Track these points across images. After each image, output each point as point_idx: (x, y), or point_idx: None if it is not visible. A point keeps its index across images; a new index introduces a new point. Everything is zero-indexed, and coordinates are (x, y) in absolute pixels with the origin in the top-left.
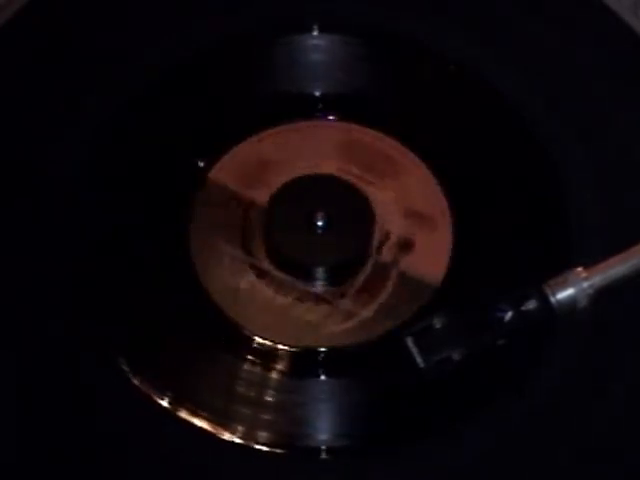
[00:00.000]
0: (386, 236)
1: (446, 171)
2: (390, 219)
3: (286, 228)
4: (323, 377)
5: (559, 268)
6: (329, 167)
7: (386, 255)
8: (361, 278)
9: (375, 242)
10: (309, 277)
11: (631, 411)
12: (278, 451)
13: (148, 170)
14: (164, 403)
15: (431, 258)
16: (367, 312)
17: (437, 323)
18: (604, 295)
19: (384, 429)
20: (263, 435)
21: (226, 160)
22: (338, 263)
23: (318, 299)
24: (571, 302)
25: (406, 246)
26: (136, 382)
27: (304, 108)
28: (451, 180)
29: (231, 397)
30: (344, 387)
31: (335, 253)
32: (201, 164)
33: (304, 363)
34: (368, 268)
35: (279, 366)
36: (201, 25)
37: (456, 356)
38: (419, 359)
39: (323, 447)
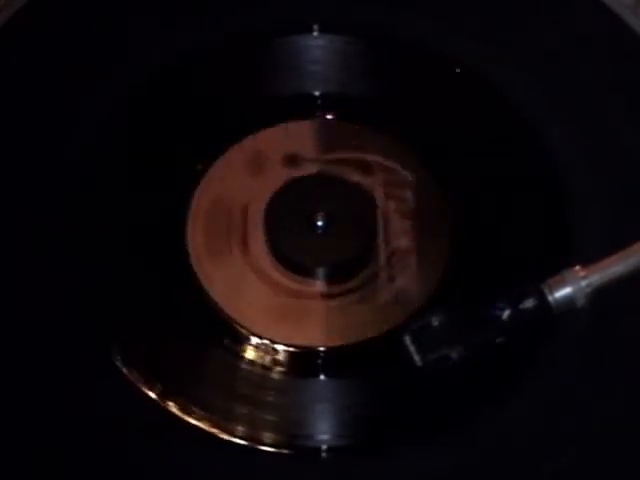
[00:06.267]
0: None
1: (445, 170)
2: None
3: (286, 228)
4: (323, 377)
5: (558, 267)
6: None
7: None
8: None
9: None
10: (309, 277)
11: (631, 411)
12: (277, 451)
13: (147, 170)
14: (166, 405)
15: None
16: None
17: (435, 321)
18: (603, 294)
19: (384, 429)
20: (262, 435)
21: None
22: (338, 263)
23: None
24: (569, 301)
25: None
26: (134, 380)
27: (304, 108)
28: (450, 179)
29: (231, 397)
30: (344, 387)
31: (335, 253)
32: (199, 167)
33: (304, 363)
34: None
35: (279, 366)
36: (201, 25)
37: (454, 354)
38: (417, 357)
39: (323, 447)
